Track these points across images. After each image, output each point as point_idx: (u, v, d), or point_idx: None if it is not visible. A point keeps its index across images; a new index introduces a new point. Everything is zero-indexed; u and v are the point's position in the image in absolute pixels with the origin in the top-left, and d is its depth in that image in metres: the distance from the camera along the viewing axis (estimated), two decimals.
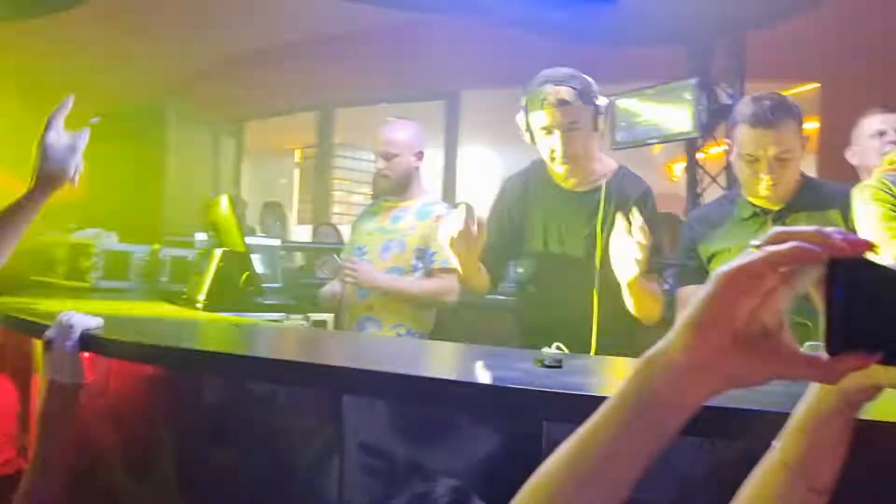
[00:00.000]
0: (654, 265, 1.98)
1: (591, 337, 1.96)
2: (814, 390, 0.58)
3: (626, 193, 2.05)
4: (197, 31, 7.15)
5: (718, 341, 0.48)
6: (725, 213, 2.11)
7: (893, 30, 3.65)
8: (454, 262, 2.66)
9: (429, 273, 2.70)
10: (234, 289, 2.67)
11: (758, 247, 0.48)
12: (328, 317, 2.84)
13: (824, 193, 2.01)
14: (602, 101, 2.02)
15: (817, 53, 5.46)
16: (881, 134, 2.51)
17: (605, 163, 2.16)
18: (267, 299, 2.87)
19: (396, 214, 2.81)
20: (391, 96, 7.82)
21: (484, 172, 7.77)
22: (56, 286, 3.19)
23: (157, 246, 3.35)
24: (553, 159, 2.06)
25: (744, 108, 1.97)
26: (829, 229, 0.47)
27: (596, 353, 1.88)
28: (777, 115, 1.89)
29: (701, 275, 2.09)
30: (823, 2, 3.40)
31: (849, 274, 0.47)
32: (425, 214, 2.74)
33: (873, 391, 0.55)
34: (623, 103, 3.77)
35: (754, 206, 2.04)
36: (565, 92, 1.97)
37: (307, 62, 7.62)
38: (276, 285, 3.86)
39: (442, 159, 7.40)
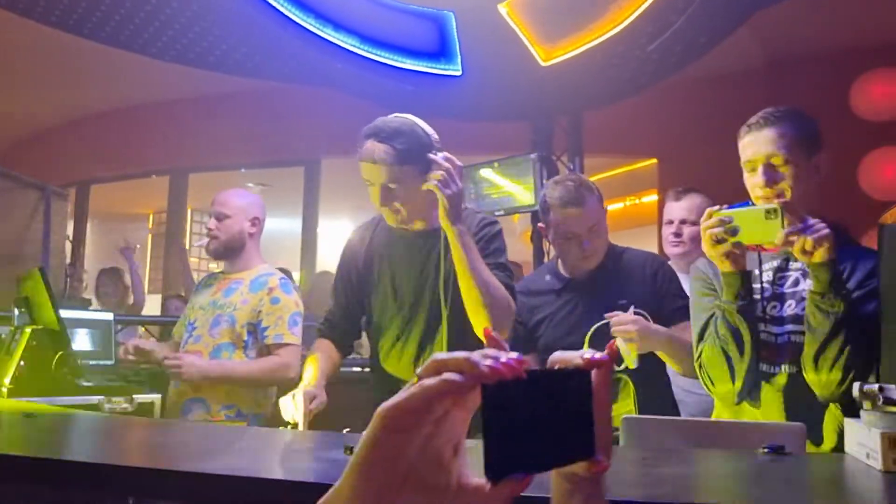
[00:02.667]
0: None
1: None
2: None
3: (481, 226, 2.04)
4: (38, 90, 6.79)
5: (385, 480, 0.46)
6: (545, 284, 2.28)
7: (723, 109, 3.98)
8: (292, 336, 2.59)
9: (262, 349, 2.59)
10: (46, 371, 2.43)
11: (418, 378, 0.47)
12: (155, 397, 2.65)
13: (625, 261, 2.22)
14: (440, 155, 1.95)
15: (653, 131, 5.92)
16: (670, 222, 2.71)
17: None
18: (92, 380, 2.64)
19: (230, 287, 2.71)
20: (249, 162, 7.69)
21: (344, 239, 7.72)
22: None
23: None
24: (380, 210, 2.06)
25: (551, 191, 2.15)
26: (478, 355, 0.46)
27: None
28: (581, 194, 2.10)
29: (528, 344, 2.21)
30: (649, 86, 3.68)
31: (497, 398, 0.45)
32: (259, 286, 2.65)
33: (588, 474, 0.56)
34: (472, 174, 3.88)
35: (566, 276, 2.24)
36: (382, 151, 1.92)
37: (160, 125, 7.38)
38: (108, 362, 3.58)
39: (300, 225, 7.30)
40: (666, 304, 2.16)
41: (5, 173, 4.14)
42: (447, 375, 0.45)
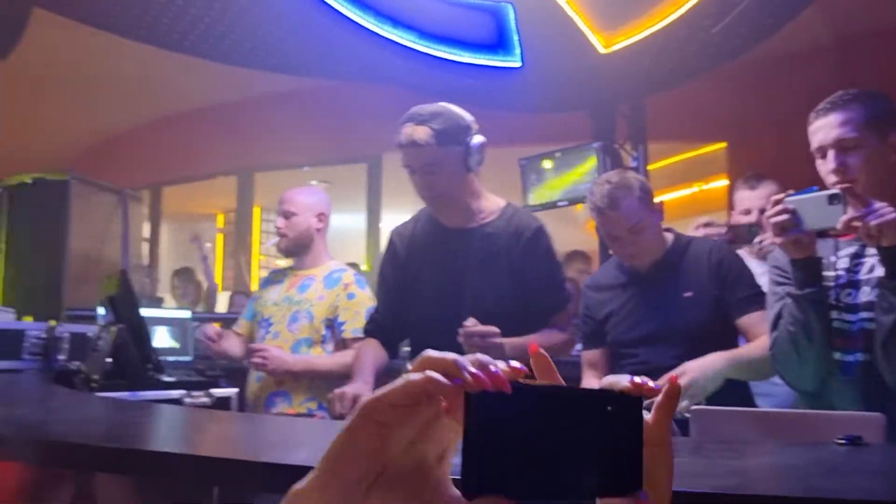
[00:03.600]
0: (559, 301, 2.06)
1: None
2: None
3: (518, 231, 2.03)
4: (109, 99, 7.08)
5: (355, 475, 0.43)
6: (611, 278, 2.25)
7: (794, 89, 3.86)
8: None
9: (340, 344, 2.65)
10: (131, 367, 2.55)
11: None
12: (232, 392, 2.75)
13: (691, 252, 2.16)
14: (477, 139, 1.95)
15: (721, 114, 5.76)
16: (747, 212, 2.65)
17: (491, 200, 2.12)
18: (171, 375, 2.75)
19: (303, 283, 2.77)
20: (313, 160, 7.85)
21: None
22: None
23: (53, 323, 3.19)
24: (422, 199, 2.04)
25: (590, 195, 2.12)
26: (466, 359, 0.43)
27: None
28: (615, 197, 2.05)
29: (599, 339, 2.21)
30: (713, 68, 3.59)
31: (481, 410, 0.42)
32: (334, 282, 2.70)
33: None
34: (534, 165, 3.87)
35: (629, 270, 2.20)
36: (420, 132, 1.90)
37: (226, 126, 7.58)
38: (187, 358, 3.73)
39: (365, 221, 7.42)
40: (732, 293, 2.12)
41: (83, 179, 4.33)
42: (430, 374, 0.42)
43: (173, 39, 4.21)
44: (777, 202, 1.65)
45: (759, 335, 1.95)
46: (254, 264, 8.44)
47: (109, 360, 2.62)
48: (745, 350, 2.02)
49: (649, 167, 4.42)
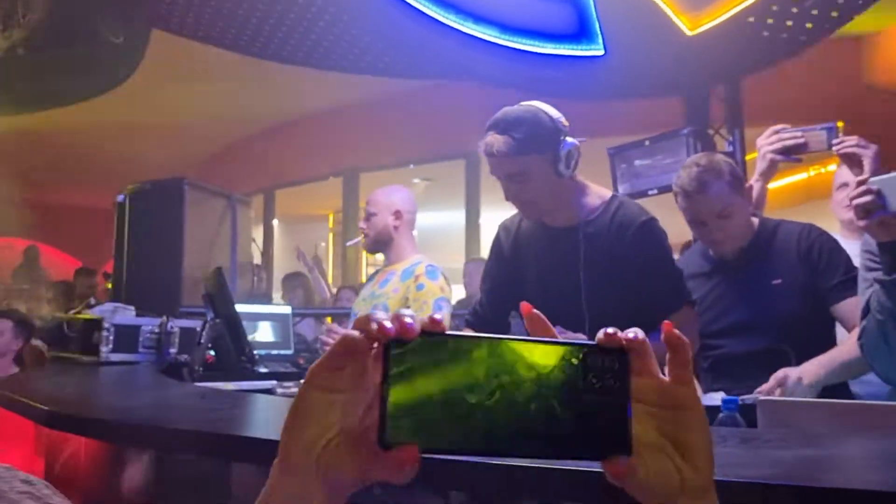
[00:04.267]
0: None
1: None
2: None
3: (622, 226, 1.91)
4: (222, 108, 7.53)
5: (307, 441, 0.45)
6: (696, 266, 2.17)
7: None
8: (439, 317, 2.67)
9: None
10: (227, 358, 2.72)
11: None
12: None
13: (779, 237, 2.07)
14: (568, 142, 1.85)
15: (830, 92, 5.41)
16: (845, 185, 2.50)
17: (595, 194, 1.99)
18: (267, 367, 2.92)
19: (385, 278, 2.87)
20: (414, 159, 8.01)
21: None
22: (71, 360, 3.30)
23: (164, 318, 3.44)
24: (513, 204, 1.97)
25: (677, 178, 2.05)
26: (381, 314, 0.44)
27: None
28: (703, 181, 1.97)
29: None
30: (811, 44, 3.38)
31: (395, 361, 0.42)
32: (408, 275, 2.78)
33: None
34: (622, 155, 3.79)
35: (714, 258, 2.13)
36: (500, 142, 1.82)
37: (331, 130, 7.87)
38: (287, 352, 3.92)
39: (464, 217, 7.49)
40: (823, 280, 2.01)
41: (195, 185, 4.63)
42: (347, 332, 0.44)
43: (271, 50, 4.43)
44: (861, 183, 1.57)
45: (856, 323, 1.84)
46: (362, 261, 8.74)
47: (210, 351, 2.82)
48: (839, 352, 1.91)
49: (756, 153, 4.21)
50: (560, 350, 0.44)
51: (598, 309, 1.84)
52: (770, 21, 3.30)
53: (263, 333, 3.95)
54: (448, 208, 8.84)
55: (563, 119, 1.88)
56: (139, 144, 8.40)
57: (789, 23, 3.29)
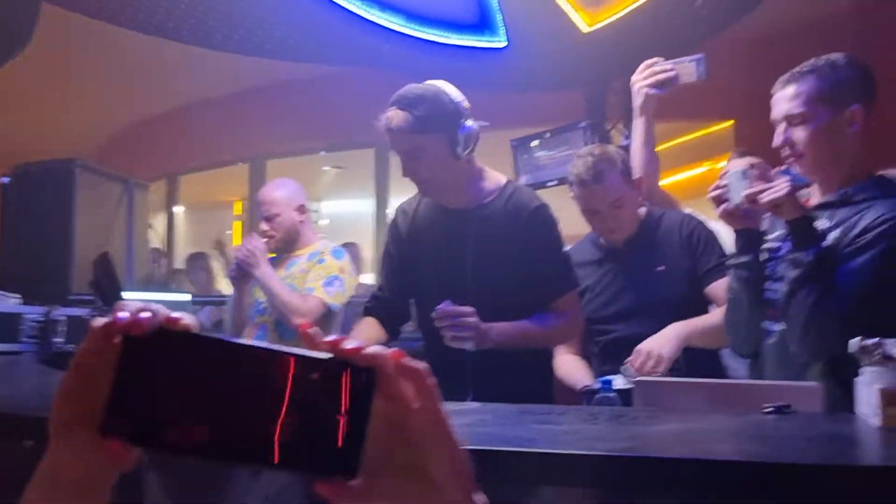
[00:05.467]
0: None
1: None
2: None
3: (516, 210, 1.94)
4: (124, 89, 7.21)
5: (65, 418, 0.45)
6: (587, 254, 2.25)
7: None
8: (323, 292, 2.62)
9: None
10: None
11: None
12: None
13: (663, 226, 2.19)
14: (467, 125, 1.85)
15: (726, 91, 5.65)
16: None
17: (492, 179, 2.02)
18: None
19: (291, 261, 2.84)
20: (322, 146, 7.90)
21: None
22: None
23: (49, 307, 3.29)
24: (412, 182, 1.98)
25: (572, 167, 2.13)
26: (132, 306, 0.44)
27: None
28: (599, 171, 2.07)
29: None
30: (701, 42, 3.53)
31: (128, 353, 0.42)
32: (314, 255, 2.79)
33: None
34: (523, 147, 3.86)
35: (604, 246, 2.23)
36: (399, 118, 1.84)
37: (238, 115, 7.66)
38: None
39: (374, 206, 7.47)
40: (701, 263, 2.14)
41: (90, 167, 4.44)
42: (96, 320, 0.45)
43: (169, 28, 4.27)
44: (722, 175, 1.71)
45: (723, 303, 1.97)
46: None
47: None
48: (703, 318, 2.04)
49: (659, 147, 4.36)
50: (302, 361, 0.43)
51: (484, 290, 1.86)
52: (662, 20, 3.44)
53: None
54: (358, 196, 8.78)
55: (464, 101, 1.89)
56: (33, 123, 7.94)
57: (679, 21, 3.43)
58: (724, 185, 1.69)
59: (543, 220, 1.95)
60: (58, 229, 4.23)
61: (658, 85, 2.11)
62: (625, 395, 1.69)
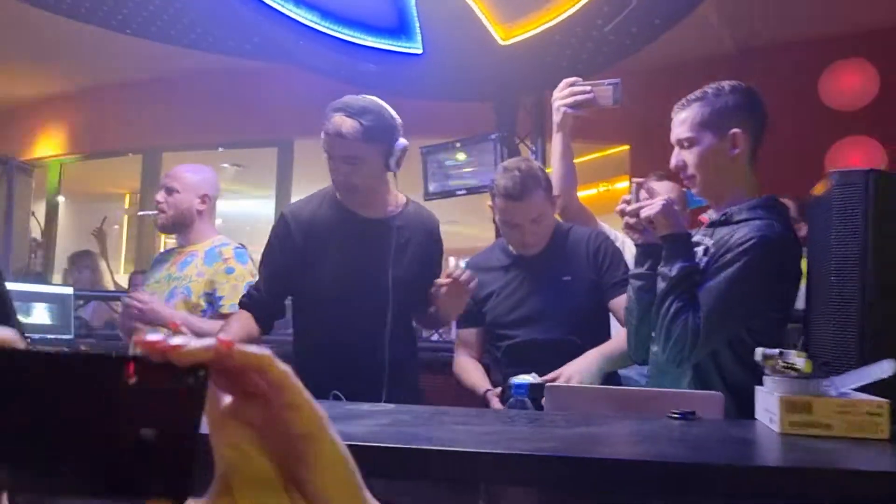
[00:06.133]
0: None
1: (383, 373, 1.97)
2: None
3: (426, 225, 2.16)
4: (10, 66, 6.73)
5: None
6: (494, 260, 2.30)
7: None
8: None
9: (217, 318, 2.58)
10: None
11: None
12: None
13: (571, 239, 2.26)
14: (401, 142, 2.00)
15: (625, 116, 5.91)
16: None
17: (396, 194, 2.17)
18: None
19: (184, 260, 2.68)
20: (224, 142, 7.65)
21: None
22: None
23: None
24: (336, 188, 2.06)
25: (499, 179, 2.17)
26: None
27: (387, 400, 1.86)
28: (527, 187, 2.11)
29: (475, 319, 2.26)
30: (607, 67, 3.69)
31: None
32: (214, 257, 2.63)
33: None
34: (433, 155, 3.89)
35: (514, 254, 2.26)
36: (349, 125, 1.93)
37: (135, 103, 7.31)
38: (67, 337, 3.58)
39: (273, 205, 7.30)
40: (606, 278, 2.20)
41: None
42: None
43: (82, 12, 4.02)
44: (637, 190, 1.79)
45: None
46: (160, 246, 8.17)
47: None
48: (614, 344, 2.11)
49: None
50: (122, 367, 0.37)
51: (403, 296, 2.01)
52: (573, 41, 3.55)
53: (39, 315, 3.59)
54: (257, 196, 8.55)
55: (398, 119, 2.02)
56: None
57: (589, 44, 3.56)
58: (627, 201, 1.77)
59: (439, 235, 2.21)
60: None
61: (575, 105, 2.17)
62: (535, 390, 1.75)
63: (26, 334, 2.65)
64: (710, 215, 1.87)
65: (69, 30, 4.82)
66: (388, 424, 1.19)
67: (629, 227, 1.79)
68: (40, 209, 7.98)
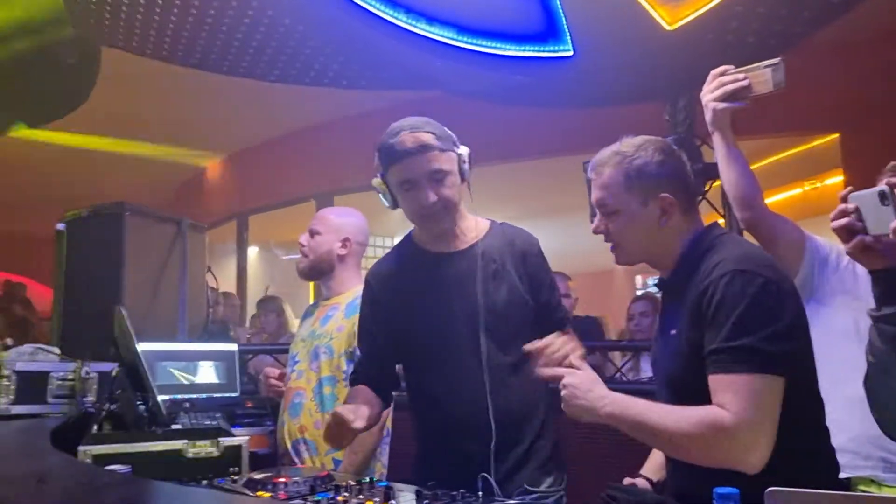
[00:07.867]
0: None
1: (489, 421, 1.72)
2: None
3: (520, 246, 1.88)
4: (190, 137, 7.27)
5: None
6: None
7: None
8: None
9: None
10: (129, 412, 2.31)
11: None
12: (243, 441, 2.45)
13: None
14: (463, 149, 1.83)
15: (830, 101, 5.14)
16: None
17: (478, 221, 1.93)
18: (182, 419, 2.50)
19: (327, 314, 2.49)
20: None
21: None
22: None
23: (80, 363, 3.04)
24: (422, 216, 1.82)
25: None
26: None
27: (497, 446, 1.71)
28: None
29: None
30: (808, 36, 3.04)
31: None
32: (355, 309, 2.34)
33: None
34: None
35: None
36: (425, 136, 1.77)
37: (303, 153, 7.64)
38: (233, 395, 3.50)
39: None
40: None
41: (141, 211, 4.21)
42: None
43: (225, 66, 4.10)
44: (843, 198, 1.30)
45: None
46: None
47: (112, 406, 2.42)
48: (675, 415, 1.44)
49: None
50: None
51: (494, 325, 1.78)
52: (761, 10, 2.95)
53: (205, 375, 3.55)
54: None
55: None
56: (104, 171, 8.09)
57: (783, 13, 2.94)
58: (853, 211, 1.28)
59: (540, 253, 1.92)
60: (106, 277, 4.03)
61: (727, 98, 1.76)
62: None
63: (194, 395, 2.58)
64: None
65: (236, 91, 4.96)
66: None
67: (862, 249, 1.28)
68: (231, 263, 8.51)
